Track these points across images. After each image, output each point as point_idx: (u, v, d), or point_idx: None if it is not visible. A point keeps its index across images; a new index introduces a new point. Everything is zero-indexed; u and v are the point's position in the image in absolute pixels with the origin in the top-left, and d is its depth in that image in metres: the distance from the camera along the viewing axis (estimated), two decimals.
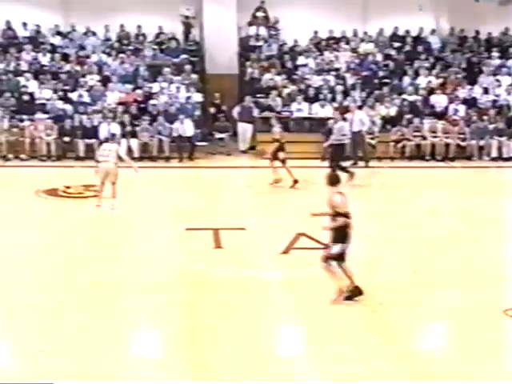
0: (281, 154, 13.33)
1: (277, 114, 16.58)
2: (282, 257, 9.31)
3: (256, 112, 17.31)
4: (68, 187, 13.11)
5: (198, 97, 17.77)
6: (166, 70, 18.03)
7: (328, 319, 7.12)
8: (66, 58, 18.40)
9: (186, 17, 19.32)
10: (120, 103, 17.12)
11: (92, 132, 16.11)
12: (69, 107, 16.89)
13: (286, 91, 17.98)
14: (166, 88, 17.64)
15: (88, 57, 18.66)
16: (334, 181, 7.51)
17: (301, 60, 19.11)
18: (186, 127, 16.39)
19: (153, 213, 11.52)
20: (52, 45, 18.89)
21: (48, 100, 16.98)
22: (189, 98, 17.51)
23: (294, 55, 19.32)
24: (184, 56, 18.89)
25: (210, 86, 18.61)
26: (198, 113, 17.34)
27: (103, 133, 16.03)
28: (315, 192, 13.38)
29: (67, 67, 18.12)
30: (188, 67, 18.33)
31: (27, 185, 13.14)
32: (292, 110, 17.52)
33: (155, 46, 19.14)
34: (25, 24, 19.01)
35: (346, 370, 5.96)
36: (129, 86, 17.79)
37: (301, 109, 17.55)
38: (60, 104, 16.89)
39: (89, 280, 8.19)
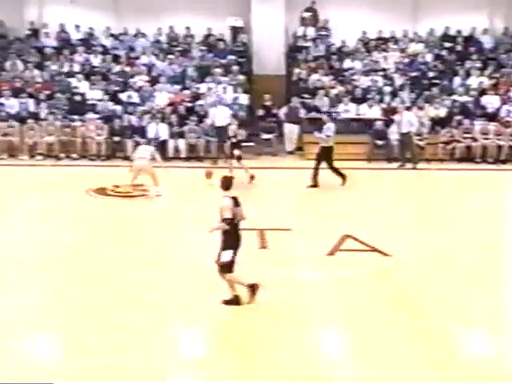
0: (236, 152, 13.58)
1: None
2: (328, 258, 9.25)
3: (303, 113, 17.24)
4: (117, 186, 13.32)
5: (244, 98, 17.82)
6: (214, 70, 18.15)
7: (372, 322, 7.04)
8: (116, 59, 18.71)
9: (234, 27, 19.47)
10: (168, 104, 17.31)
11: (140, 132, 16.34)
12: (118, 107, 17.18)
13: (333, 92, 17.87)
14: (213, 89, 17.76)
15: (138, 58, 18.95)
16: (226, 184, 7.48)
17: (348, 60, 18.96)
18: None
19: (198, 212, 11.59)
20: (103, 46, 19.26)
21: (99, 100, 17.31)
22: (236, 98, 17.58)
23: (341, 56, 19.18)
24: (231, 57, 18.98)
25: (257, 86, 18.62)
26: (244, 113, 17.39)
27: (151, 133, 16.27)
28: (361, 193, 13.32)
29: (117, 68, 18.43)
30: (235, 68, 18.41)
31: (78, 184, 13.39)
32: (339, 111, 17.39)
33: (203, 47, 19.29)
34: (78, 26, 19.44)
35: (385, 375, 5.88)
36: (177, 87, 17.98)
37: (348, 110, 17.40)
38: (110, 104, 17.21)
39: (134, 279, 8.30)
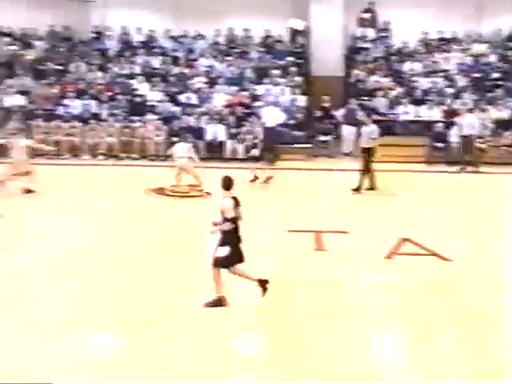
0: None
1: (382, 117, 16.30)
2: (386, 262, 9.10)
3: (360, 114, 17.03)
4: (175, 186, 13.49)
5: (302, 99, 17.77)
6: (272, 72, 18.17)
7: (428, 326, 6.88)
8: (175, 61, 18.97)
9: (293, 28, 19.47)
10: (226, 105, 17.44)
11: (199, 133, 16.52)
12: (177, 109, 17.42)
13: (392, 93, 17.61)
14: (271, 90, 17.78)
15: (196, 60, 19.17)
16: (227, 184, 7.44)
17: (408, 62, 18.65)
18: None
19: (254, 214, 11.58)
20: (163, 48, 19.57)
21: (158, 102, 17.60)
22: (293, 100, 17.55)
23: (401, 57, 18.89)
24: (290, 58, 18.98)
25: (315, 88, 18.54)
26: (301, 115, 17.34)
27: (209, 134, 16.43)
28: (420, 196, 13.07)
29: (176, 70, 18.69)
30: (293, 69, 18.39)
31: (137, 183, 13.62)
32: (398, 113, 17.13)
33: (262, 49, 19.36)
34: (139, 29, 19.82)
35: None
36: (235, 88, 18.09)
37: (407, 111, 17.12)
38: (169, 106, 17.47)
39: (194, 279, 8.37)
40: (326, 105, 17.45)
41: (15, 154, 12.74)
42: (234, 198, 7.45)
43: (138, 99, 17.62)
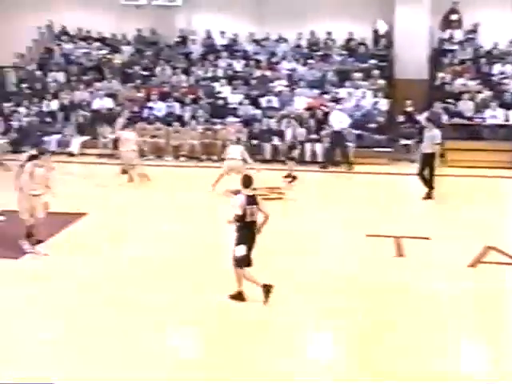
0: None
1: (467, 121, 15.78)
2: (469, 270, 8.81)
3: (445, 118, 16.59)
4: (254, 189, 13.54)
5: (384, 102, 17.50)
6: (354, 75, 18.00)
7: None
8: (257, 64, 19.12)
9: (376, 30, 19.22)
10: (307, 108, 17.40)
11: (279, 135, 16.57)
12: (258, 111, 17.54)
13: (479, 97, 17.03)
14: (352, 93, 17.61)
15: (278, 63, 19.25)
16: (245, 182, 7.64)
17: (498, 64, 17.97)
18: None
19: (334, 217, 11.52)
20: (245, 52, 19.78)
21: (239, 104, 17.78)
22: (375, 103, 17.30)
23: (490, 59, 18.23)
24: (372, 61, 18.71)
25: (398, 91, 18.20)
26: (382, 118, 17.07)
27: (289, 136, 16.42)
28: (505, 203, 12.56)
29: (258, 73, 18.82)
30: (376, 72, 18.13)
31: (217, 185, 13.76)
32: (485, 117, 16.54)
33: (344, 52, 19.20)
34: (223, 33, 20.12)
35: None
36: (316, 91, 18.03)
37: (495, 115, 16.50)
38: (250, 108, 17.59)
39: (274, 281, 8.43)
40: (409, 108, 17.07)
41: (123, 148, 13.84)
42: (250, 197, 7.53)
43: (219, 102, 17.88)
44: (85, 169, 16.04)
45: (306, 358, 6.48)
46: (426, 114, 16.81)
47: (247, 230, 7.48)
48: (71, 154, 17.03)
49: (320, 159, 16.35)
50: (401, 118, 17.12)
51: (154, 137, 17.19)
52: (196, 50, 20.06)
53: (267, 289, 7.53)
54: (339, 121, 16.16)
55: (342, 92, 17.78)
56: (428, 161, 12.83)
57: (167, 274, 8.63)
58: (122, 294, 7.98)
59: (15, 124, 17.47)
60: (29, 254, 9.39)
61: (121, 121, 15.31)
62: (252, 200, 7.51)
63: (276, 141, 16.56)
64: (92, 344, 6.74)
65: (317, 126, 16.74)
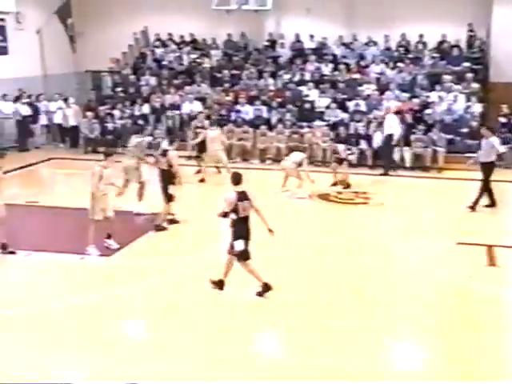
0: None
1: None
2: None
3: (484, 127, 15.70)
4: (339, 193, 13.47)
5: (478, 107, 16.88)
6: (446, 78, 17.48)
7: None
8: (346, 67, 18.95)
9: (471, 30, 18.59)
10: (395, 112, 17.04)
11: (366, 140, 16.35)
12: (345, 115, 17.36)
13: None
14: (444, 97, 17.11)
15: (367, 66, 19.00)
16: (235, 179, 7.84)
17: None
18: None
19: (422, 223, 11.24)
20: (334, 55, 19.65)
21: (326, 108, 17.65)
22: (468, 107, 16.73)
23: None
24: (466, 64, 18.11)
25: (493, 95, 17.51)
26: (475, 123, 16.47)
27: (377, 141, 16.18)
28: None
29: (346, 77, 18.64)
30: (469, 75, 17.53)
31: (302, 188, 13.71)
32: None
33: (435, 54, 18.70)
34: (312, 36, 20.09)
35: None
36: (405, 95, 17.65)
37: None
38: (338, 112, 17.42)
39: (355, 285, 8.31)
40: (505, 113, 16.37)
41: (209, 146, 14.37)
42: (241, 193, 7.76)
43: (307, 105, 17.84)
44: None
45: (387, 360, 6.35)
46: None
47: (242, 225, 7.76)
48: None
49: (408, 164, 15.98)
50: (502, 121, 16.42)
51: (240, 140, 17.37)
52: (284, 53, 20.14)
53: (267, 288, 7.79)
54: (389, 125, 15.73)
55: (433, 96, 17.31)
56: (485, 170, 12.12)
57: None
58: (206, 293, 8.10)
59: (109, 126, 18.15)
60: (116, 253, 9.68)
61: (194, 123, 15.84)
62: (243, 196, 7.78)
63: (363, 145, 16.34)
64: (184, 342, 6.88)
65: (406, 130, 16.35)
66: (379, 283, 8.44)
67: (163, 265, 9.15)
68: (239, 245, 7.77)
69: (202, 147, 14.83)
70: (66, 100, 18.81)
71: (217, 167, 15.19)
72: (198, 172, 14.95)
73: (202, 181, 14.51)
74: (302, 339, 6.92)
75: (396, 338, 7.04)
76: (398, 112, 16.97)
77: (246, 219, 7.80)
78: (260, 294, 7.81)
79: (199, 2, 19.84)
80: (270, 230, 7.84)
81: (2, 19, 18.88)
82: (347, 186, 13.84)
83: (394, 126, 15.72)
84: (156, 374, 6.17)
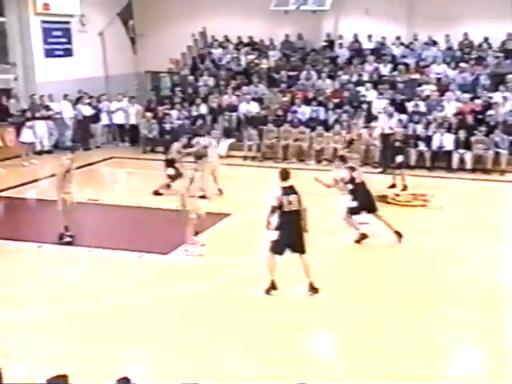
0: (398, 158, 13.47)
1: None
2: None
3: None
4: (397, 195, 13.35)
5: None
6: (510, 78, 17.08)
7: None
8: (406, 68, 18.74)
9: None
10: (456, 113, 16.78)
11: (425, 142, 16.15)
12: (404, 116, 17.14)
13: None
14: (508, 98, 16.72)
15: (427, 66, 18.74)
16: (282, 176, 8.08)
17: None
18: None
19: (482, 226, 11.05)
20: (393, 55, 19.47)
21: (384, 109, 17.40)
22: None
23: None
24: None
25: None
26: None
27: (435, 143, 15.97)
28: None
29: (405, 77, 18.43)
30: None
31: None
32: None
33: (500, 54, 18.28)
34: (370, 36, 19.97)
35: None
36: (467, 96, 17.33)
37: None
38: (395, 114, 17.15)
39: (413, 286, 8.28)
40: None
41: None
42: (287, 188, 7.95)
43: (364, 106, 17.73)
44: (231, 171, 16.62)
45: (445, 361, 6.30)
46: None
47: (286, 218, 7.91)
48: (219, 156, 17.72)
49: (468, 166, 15.70)
50: None
51: (296, 140, 17.42)
52: (342, 54, 20.08)
53: (273, 286, 8.00)
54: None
55: (496, 96, 16.93)
56: None
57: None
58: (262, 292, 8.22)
59: (167, 126, 18.52)
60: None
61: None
62: (289, 191, 7.97)
63: (422, 146, 16.15)
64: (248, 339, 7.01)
65: (467, 132, 16.06)
66: (438, 285, 8.37)
67: (218, 264, 9.30)
68: (273, 235, 8.01)
69: None
70: (131, 98, 19.29)
71: None
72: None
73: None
74: (356, 341, 6.94)
75: (455, 341, 6.98)
76: (460, 113, 16.71)
77: (291, 213, 7.93)
78: (267, 291, 8.04)
79: (257, 3, 20.01)
80: (306, 230, 8.05)
81: (67, 22, 19.54)
82: (404, 187, 13.71)
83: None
84: (212, 373, 6.29)
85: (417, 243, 10.19)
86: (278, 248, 8.03)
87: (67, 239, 10.16)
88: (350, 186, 10.08)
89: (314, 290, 8.03)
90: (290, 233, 7.99)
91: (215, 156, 13.47)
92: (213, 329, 7.32)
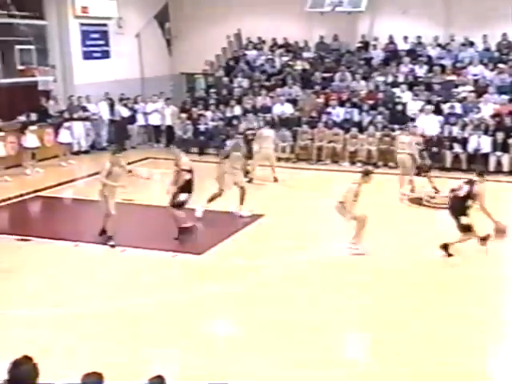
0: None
1: None
2: None
3: None
4: (432, 197, 13.19)
5: None
6: None
7: None
8: (442, 69, 18.49)
9: None
10: (493, 115, 16.49)
11: (461, 144, 15.93)
12: (440, 118, 16.91)
13: None
14: None
15: (464, 68, 18.46)
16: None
17: None
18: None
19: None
20: (429, 57, 19.23)
21: (420, 111, 17.19)
22: None
23: None
24: None
25: None
26: None
27: (472, 144, 15.74)
28: None
29: (441, 78, 18.18)
30: None
31: (394, 192, 13.53)
32: None
33: None
34: (406, 37, 19.78)
35: None
36: (505, 97, 17.02)
37: None
38: (431, 116, 16.90)
39: (455, 288, 8.23)
40: None
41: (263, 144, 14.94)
42: None
43: (399, 107, 17.55)
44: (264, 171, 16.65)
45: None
46: None
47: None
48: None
49: (505, 169, 15.41)
50: None
51: (330, 142, 17.34)
52: (377, 55, 19.93)
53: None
54: (431, 126, 16.05)
55: None
56: None
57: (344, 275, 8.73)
58: (298, 292, 8.21)
59: (201, 128, 18.62)
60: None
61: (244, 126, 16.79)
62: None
63: (457, 148, 15.92)
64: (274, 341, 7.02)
65: (505, 134, 15.77)
66: (479, 287, 8.26)
67: (252, 264, 9.33)
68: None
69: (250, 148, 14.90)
70: (166, 100, 19.47)
71: (269, 167, 15.01)
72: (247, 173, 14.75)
73: (249, 181, 14.20)
74: (391, 346, 6.87)
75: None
76: (498, 115, 16.42)
77: None
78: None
79: (293, 4, 19.97)
80: None
81: (104, 25, 19.81)
82: (436, 190, 13.49)
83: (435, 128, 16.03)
84: (245, 373, 6.30)
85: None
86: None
87: (111, 243, 10.22)
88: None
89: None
90: None
91: (270, 146, 14.98)
92: (242, 329, 7.33)
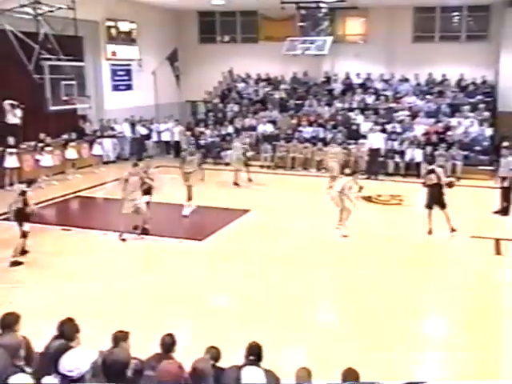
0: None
1: None
2: None
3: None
4: (379, 195, 13.38)
5: (489, 131, 16.38)
6: (464, 107, 17.05)
7: None
8: (386, 98, 18.72)
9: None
10: (424, 133, 16.76)
11: (400, 155, 16.18)
12: (384, 135, 17.11)
13: None
14: (462, 122, 16.68)
15: (402, 97, 18.70)
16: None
17: None
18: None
19: (443, 220, 11.02)
20: (375, 89, 19.45)
21: (370, 130, 17.39)
22: (481, 131, 16.25)
23: None
24: (479, 97, 17.64)
25: (500, 121, 16.97)
26: (486, 143, 15.99)
27: (408, 156, 15.99)
28: None
29: (385, 105, 18.41)
30: (482, 106, 17.06)
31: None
32: None
33: (455, 89, 18.27)
34: (358, 74, 19.99)
35: None
36: (432, 120, 17.31)
37: None
38: (378, 134, 17.08)
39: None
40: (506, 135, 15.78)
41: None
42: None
43: (354, 127, 17.75)
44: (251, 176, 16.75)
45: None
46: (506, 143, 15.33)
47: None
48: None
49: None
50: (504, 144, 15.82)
51: (301, 153, 17.49)
52: (337, 87, 20.11)
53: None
54: (377, 141, 16.11)
55: (453, 121, 16.93)
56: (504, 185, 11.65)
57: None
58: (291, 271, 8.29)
59: (202, 142, 18.67)
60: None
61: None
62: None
63: (397, 158, 16.15)
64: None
65: (432, 147, 16.04)
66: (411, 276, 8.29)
67: (245, 247, 9.38)
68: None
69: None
70: (175, 121, 19.53)
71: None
72: (250, 180, 14.99)
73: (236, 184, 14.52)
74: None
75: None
76: (426, 133, 16.68)
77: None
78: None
79: (272, 49, 20.06)
80: None
81: (128, 64, 19.82)
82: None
83: (380, 142, 16.14)
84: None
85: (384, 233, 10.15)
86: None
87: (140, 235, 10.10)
88: None
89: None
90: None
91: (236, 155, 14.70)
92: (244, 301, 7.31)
